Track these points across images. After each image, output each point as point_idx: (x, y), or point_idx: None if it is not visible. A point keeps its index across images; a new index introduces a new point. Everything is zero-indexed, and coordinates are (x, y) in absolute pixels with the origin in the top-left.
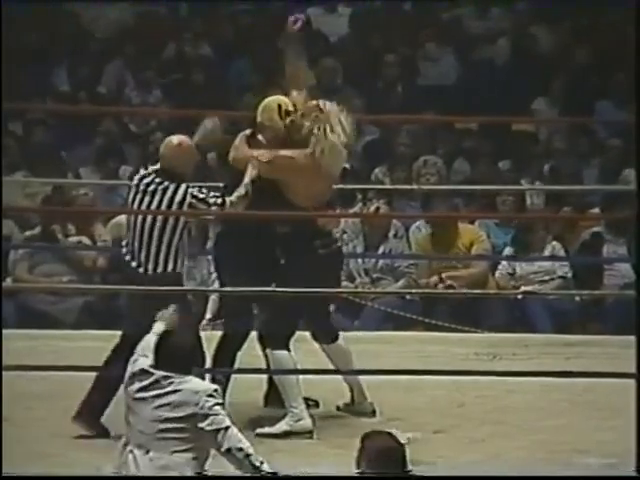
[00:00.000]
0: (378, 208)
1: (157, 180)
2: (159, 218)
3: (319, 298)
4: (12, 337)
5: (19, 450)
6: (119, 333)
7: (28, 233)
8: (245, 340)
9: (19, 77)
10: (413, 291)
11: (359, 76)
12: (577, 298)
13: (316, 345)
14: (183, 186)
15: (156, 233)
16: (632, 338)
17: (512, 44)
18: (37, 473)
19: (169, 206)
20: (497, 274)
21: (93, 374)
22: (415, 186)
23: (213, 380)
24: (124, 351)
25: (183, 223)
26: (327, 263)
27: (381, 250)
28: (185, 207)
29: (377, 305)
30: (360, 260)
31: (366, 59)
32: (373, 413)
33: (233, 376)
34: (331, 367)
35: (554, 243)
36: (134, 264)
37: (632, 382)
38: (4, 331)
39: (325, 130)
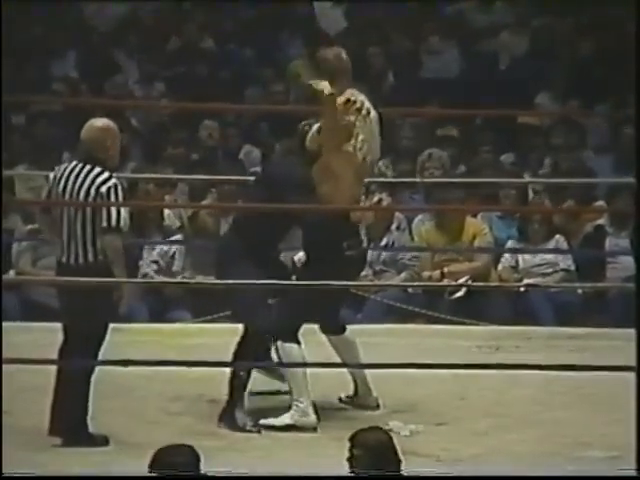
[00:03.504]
0: (381, 200)
1: (79, 165)
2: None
3: (332, 293)
4: (14, 330)
5: (20, 443)
6: (120, 327)
7: (30, 227)
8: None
9: (21, 70)
10: (415, 284)
11: (360, 70)
12: (580, 291)
13: (322, 337)
14: (106, 173)
15: (79, 221)
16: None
17: (515, 38)
18: (37, 467)
19: (89, 189)
20: (500, 267)
21: (97, 367)
22: (418, 179)
23: (233, 374)
24: (73, 347)
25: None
26: (352, 265)
27: (384, 243)
28: (104, 191)
29: (380, 298)
30: None
31: (368, 53)
32: (377, 407)
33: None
34: (336, 359)
35: (557, 236)
36: (64, 258)
37: (633, 375)
38: (7, 324)
39: (365, 119)
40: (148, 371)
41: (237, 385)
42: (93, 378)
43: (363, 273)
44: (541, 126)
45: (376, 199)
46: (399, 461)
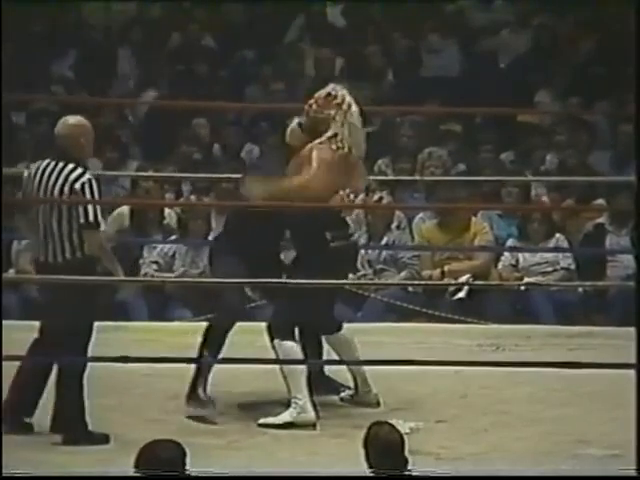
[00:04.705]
0: (381, 198)
1: (53, 163)
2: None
3: (325, 290)
4: (14, 328)
5: (20, 441)
6: (121, 324)
7: None
8: (228, 331)
9: (22, 67)
10: (416, 282)
11: (360, 68)
12: (580, 289)
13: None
14: (80, 169)
15: (55, 218)
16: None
17: (515, 36)
18: (37, 466)
19: (62, 186)
20: (500, 265)
21: (96, 365)
22: (418, 177)
23: (198, 370)
24: (46, 345)
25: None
26: (341, 257)
27: (384, 241)
28: (78, 187)
29: (380, 296)
30: (363, 251)
31: (368, 51)
32: (377, 404)
33: (234, 367)
34: (334, 357)
35: (558, 235)
36: (42, 257)
37: (634, 373)
38: (6, 322)
39: (345, 113)
40: (148, 369)
41: (200, 371)
42: (86, 377)
43: (362, 272)
44: (541, 124)
45: (376, 197)
46: (405, 460)
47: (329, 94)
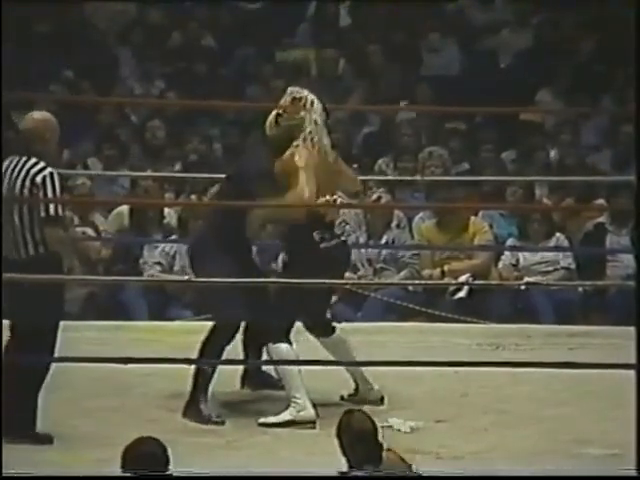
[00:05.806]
0: (380, 197)
1: (17, 158)
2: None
3: (317, 292)
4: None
5: (19, 441)
6: (121, 324)
7: None
8: (235, 333)
9: (21, 66)
10: (416, 282)
11: (360, 66)
12: (580, 289)
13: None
14: (42, 163)
15: (17, 213)
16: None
17: (515, 35)
18: (36, 467)
19: (24, 181)
20: (500, 265)
21: (97, 365)
22: (418, 177)
23: (197, 371)
24: (21, 345)
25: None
26: (330, 257)
27: (384, 240)
28: (39, 180)
29: (380, 296)
30: (363, 250)
31: (368, 50)
32: (382, 401)
33: (232, 367)
34: (331, 358)
35: (558, 234)
36: (8, 254)
37: (633, 373)
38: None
39: (312, 112)
40: (148, 369)
41: (202, 381)
42: (84, 377)
43: (362, 271)
44: (542, 124)
45: (375, 196)
46: (380, 447)
47: (294, 98)
